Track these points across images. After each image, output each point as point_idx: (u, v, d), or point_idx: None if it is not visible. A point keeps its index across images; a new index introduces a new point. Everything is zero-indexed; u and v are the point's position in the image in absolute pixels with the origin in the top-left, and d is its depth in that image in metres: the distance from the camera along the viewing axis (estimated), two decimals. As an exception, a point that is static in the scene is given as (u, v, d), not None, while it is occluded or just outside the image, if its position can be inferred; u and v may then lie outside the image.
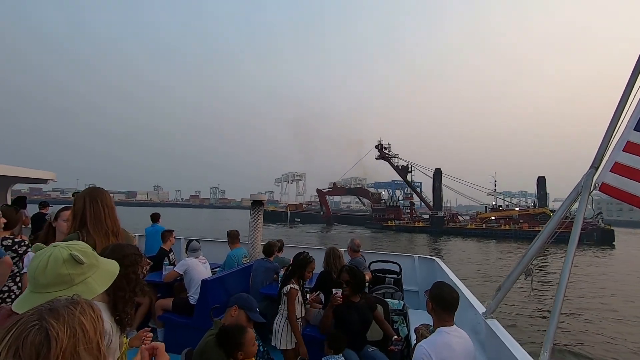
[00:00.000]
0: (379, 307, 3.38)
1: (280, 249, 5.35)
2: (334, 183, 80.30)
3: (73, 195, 2.23)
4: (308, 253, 3.48)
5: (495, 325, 2.58)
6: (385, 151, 66.95)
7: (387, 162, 66.84)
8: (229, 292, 4.23)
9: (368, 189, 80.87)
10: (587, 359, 7.91)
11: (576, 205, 2.37)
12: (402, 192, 78.41)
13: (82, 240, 1.83)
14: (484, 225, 50.45)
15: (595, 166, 2.28)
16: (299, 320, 3.30)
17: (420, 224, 56.63)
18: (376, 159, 68.34)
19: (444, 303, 2.14)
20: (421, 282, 5.42)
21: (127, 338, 1.66)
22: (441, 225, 52.58)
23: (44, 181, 6.44)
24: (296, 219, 70.86)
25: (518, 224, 48.44)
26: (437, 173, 61.35)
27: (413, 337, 3.26)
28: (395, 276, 5.02)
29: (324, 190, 78.16)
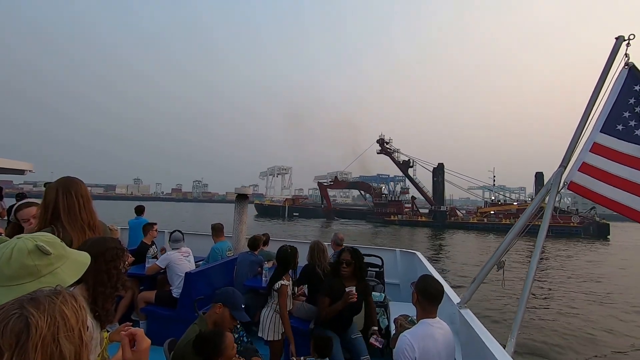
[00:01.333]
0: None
1: (266, 243, 5.39)
2: (335, 176, 79.25)
3: (45, 186, 2.08)
4: (289, 246, 3.51)
5: (468, 314, 2.71)
6: (387, 146, 66.91)
7: (384, 156, 66.72)
8: (213, 285, 4.26)
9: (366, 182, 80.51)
10: (553, 346, 8.31)
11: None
12: (387, 186, 79.09)
13: (58, 236, 1.72)
14: (485, 219, 51.12)
15: (564, 165, 2.40)
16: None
17: (423, 219, 56.94)
18: (378, 153, 68.10)
19: (429, 295, 2.21)
20: (402, 275, 5.56)
21: (107, 332, 1.64)
22: (444, 219, 53.17)
23: (20, 172, 6.24)
24: (294, 214, 69.57)
25: (518, 218, 48.37)
26: (440, 168, 62.00)
27: (393, 327, 3.38)
28: (377, 269, 5.15)
29: (325, 184, 76.85)
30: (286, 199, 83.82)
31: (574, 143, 2.37)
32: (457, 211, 60.78)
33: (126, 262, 1.60)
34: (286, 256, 3.40)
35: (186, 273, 3.93)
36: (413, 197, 65.88)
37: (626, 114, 2.22)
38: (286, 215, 67.90)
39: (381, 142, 67.00)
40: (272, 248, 5.50)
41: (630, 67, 2.22)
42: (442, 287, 2.29)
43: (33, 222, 2.15)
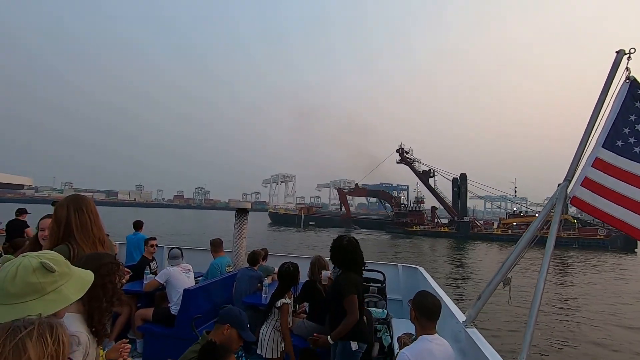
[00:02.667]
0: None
1: (265, 258, 5.32)
2: (356, 184, 77.75)
3: (53, 205, 2.14)
4: (290, 263, 3.47)
5: (474, 334, 2.63)
6: (407, 155, 66.46)
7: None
8: (212, 301, 4.18)
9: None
10: None
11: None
12: (396, 195, 78.17)
13: (73, 252, 1.80)
14: (509, 231, 50.73)
15: (568, 179, 2.38)
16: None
17: (446, 229, 56.46)
18: (397, 163, 67.59)
19: (426, 311, 2.18)
20: (405, 290, 5.46)
21: (103, 350, 1.62)
22: (467, 230, 52.66)
23: (19, 187, 6.26)
24: (310, 222, 68.06)
25: (543, 229, 48.31)
26: (463, 178, 62.05)
27: (396, 345, 3.28)
28: (379, 285, 5.05)
29: (346, 190, 76.35)
30: (301, 207, 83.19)
31: (578, 157, 2.35)
32: (476, 222, 60.33)
33: (122, 277, 1.59)
34: (288, 273, 3.35)
35: (184, 290, 3.86)
36: (434, 208, 64.97)
37: (626, 130, 2.21)
38: (302, 224, 66.35)
39: (401, 151, 66.59)
40: (271, 263, 5.43)
41: (631, 80, 2.22)
42: (439, 302, 2.25)
43: (46, 232, 2.21)
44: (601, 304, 13.99)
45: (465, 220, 56.17)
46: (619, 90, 2.25)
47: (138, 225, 6.57)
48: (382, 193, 76.18)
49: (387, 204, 75.21)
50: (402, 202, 70.19)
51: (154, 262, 4.99)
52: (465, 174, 62.41)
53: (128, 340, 1.85)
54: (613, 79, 2.24)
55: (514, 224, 52.20)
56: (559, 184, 2.42)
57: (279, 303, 3.20)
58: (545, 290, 2.25)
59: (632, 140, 2.19)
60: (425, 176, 65.73)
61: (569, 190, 2.37)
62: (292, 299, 3.36)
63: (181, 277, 4.19)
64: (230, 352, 2.11)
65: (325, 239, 38.86)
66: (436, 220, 62.14)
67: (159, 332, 3.91)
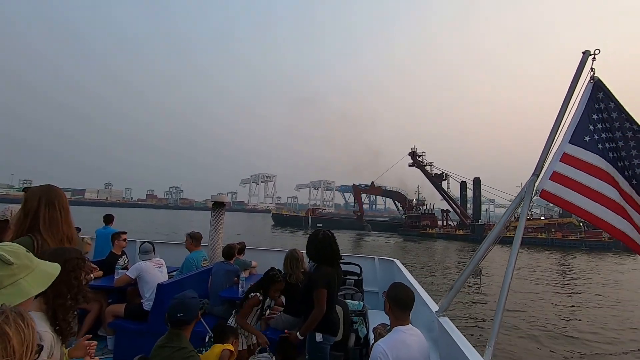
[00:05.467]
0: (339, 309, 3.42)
1: (241, 252, 5.27)
2: (372, 182, 75.87)
3: (24, 191, 2.03)
4: (279, 271, 3.46)
5: (446, 322, 2.72)
6: (419, 158, 66.70)
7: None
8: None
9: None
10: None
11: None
12: (367, 197, 78.74)
13: (37, 246, 1.72)
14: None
15: (536, 174, 2.48)
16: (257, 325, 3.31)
17: (460, 232, 57.45)
18: (409, 166, 67.83)
19: (400, 303, 2.23)
20: (381, 283, 5.57)
21: (66, 349, 1.56)
22: (481, 233, 52.70)
23: None
24: (318, 224, 64.96)
25: (551, 232, 51.47)
26: (477, 183, 63.18)
27: (372, 336, 3.35)
28: (356, 277, 5.12)
29: (361, 187, 74.58)
30: (308, 209, 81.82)
31: (546, 152, 2.45)
32: (489, 225, 60.94)
33: (89, 274, 1.53)
34: (267, 277, 3.36)
35: (158, 284, 3.77)
36: (447, 211, 65.66)
37: (591, 127, 2.34)
38: (309, 226, 64.46)
39: (413, 154, 66.83)
40: (248, 257, 5.40)
41: (595, 81, 2.33)
42: (413, 293, 2.31)
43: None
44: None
45: (480, 223, 57.40)
46: (585, 90, 2.36)
47: (109, 219, 6.34)
48: (396, 194, 74.85)
49: (400, 206, 74.55)
50: (414, 205, 69.49)
51: (124, 256, 4.84)
52: (479, 178, 63.63)
53: (90, 336, 1.79)
54: (579, 79, 2.34)
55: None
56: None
57: (251, 295, 3.21)
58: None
59: (596, 137, 2.32)
60: (437, 180, 66.21)
61: (536, 184, 2.47)
62: (264, 303, 3.37)
63: (154, 272, 4.08)
64: (236, 332, 2.41)
65: (344, 242, 38.06)
66: (451, 223, 63.19)
67: (132, 328, 3.81)
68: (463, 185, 66.49)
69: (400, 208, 73.82)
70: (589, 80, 2.34)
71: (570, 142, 2.36)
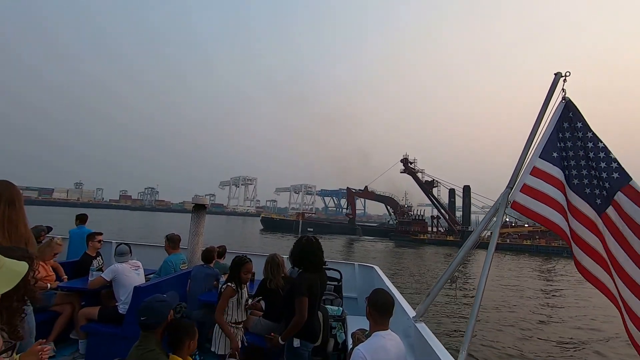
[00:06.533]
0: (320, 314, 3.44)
1: (221, 255, 5.22)
2: (366, 186, 75.95)
3: None
4: (245, 255, 3.43)
5: (423, 328, 2.80)
6: (411, 165, 67.92)
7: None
8: (164, 299, 4.03)
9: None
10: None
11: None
12: (347, 201, 79.55)
13: None
14: (508, 240, 54.29)
15: (510, 186, 2.61)
16: (239, 326, 3.27)
17: (451, 238, 58.19)
18: (401, 172, 69.02)
19: (380, 308, 2.28)
20: (360, 288, 5.63)
21: (17, 355, 1.46)
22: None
23: None
24: (309, 229, 64.44)
25: (535, 239, 53.20)
26: (467, 190, 64.80)
27: (350, 341, 3.39)
28: (335, 283, 5.17)
29: (354, 191, 74.85)
30: (298, 213, 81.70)
31: (519, 167, 2.59)
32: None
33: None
34: (233, 263, 3.32)
35: (135, 287, 3.69)
36: (438, 217, 67.04)
37: (561, 144, 2.49)
38: (300, 230, 62.77)
39: (405, 161, 68.08)
40: (229, 261, 5.33)
41: (566, 101, 2.49)
42: (393, 299, 2.37)
43: None
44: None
45: (469, 229, 58.12)
46: (556, 109, 2.52)
47: (82, 218, 6.14)
48: (389, 200, 75.36)
49: (392, 212, 75.02)
50: (406, 212, 70.59)
51: (98, 258, 4.71)
52: (469, 186, 65.44)
53: (44, 340, 1.68)
54: (551, 98, 2.50)
55: (507, 233, 55.82)
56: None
57: (222, 287, 3.18)
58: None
59: (564, 153, 2.47)
60: (428, 186, 67.94)
61: (509, 196, 2.60)
62: (246, 292, 3.35)
63: (130, 274, 3.99)
64: (192, 331, 2.28)
65: (337, 247, 38.54)
66: (441, 229, 64.61)
67: (106, 331, 3.71)
68: (451, 192, 68.37)
69: (392, 214, 74.79)
70: (561, 100, 2.50)
71: (540, 157, 2.51)
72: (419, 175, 68.76)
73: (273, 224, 70.61)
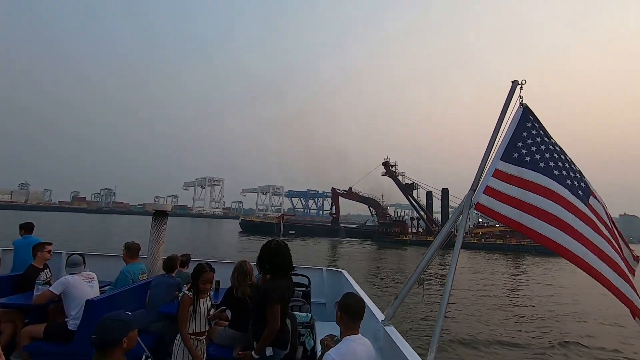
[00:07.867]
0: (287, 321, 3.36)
1: (185, 264, 4.98)
2: (350, 187, 75.53)
3: None
4: (206, 263, 3.25)
5: (392, 331, 2.80)
6: (392, 169, 69.14)
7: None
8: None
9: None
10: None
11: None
12: (314, 202, 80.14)
13: None
14: (483, 240, 57.27)
15: (473, 189, 2.69)
16: (201, 337, 3.10)
17: (431, 239, 58.33)
18: (382, 175, 70.36)
19: (351, 312, 2.26)
20: (329, 294, 5.60)
21: None
22: (450, 240, 57.04)
23: None
24: (290, 232, 64.08)
25: (506, 238, 56.46)
26: (445, 193, 67.12)
27: (319, 348, 3.33)
28: (303, 289, 5.09)
29: (339, 191, 74.52)
30: (279, 215, 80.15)
31: (481, 169, 2.68)
32: (455, 233, 66.08)
33: None
34: (193, 272, 3.15)
35: (87, 301, 3.41)
36: (418, 218, 69.33)
37: (520, 144, 2.61)
38: (281, 233, 61.31)
39: (386, 164, 69.54)
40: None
41: (524, 107, 2.63)
42: (364, 303, 2.36)
43: None
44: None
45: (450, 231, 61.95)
46: (515, 114, 2.65)
47: (28, 227, 5.62)
48: (372, 201, 75.93)
49: (374, 213, 75.85)
50: (387, 214, 72.56)
51: (46, 270, 4.33)
52: (447, 189, 68.04)
53: None
54: (509, 104, 2.62)
55: (480, 233, 59.33)
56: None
57: (180, 295, 3.04)
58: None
59: (524, 151, 2.59)
60: (408, 189, 69.90)
61: (473, 198, 2.68)
62: (209, 302, 3.20)
63: (83, 286, 3.69)
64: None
65: (322, 250, 38.63)
66: (421, 230, 66.75)
67: (52, 350, 3.39)
68: (429, 194, 71.38)
69: (374, 215, 76.07)
70: (519, 105, 2.64)
71: (501, 159, 2.61)
72: (400, 178, 70.88)
73: (253, 227, 68.82)
